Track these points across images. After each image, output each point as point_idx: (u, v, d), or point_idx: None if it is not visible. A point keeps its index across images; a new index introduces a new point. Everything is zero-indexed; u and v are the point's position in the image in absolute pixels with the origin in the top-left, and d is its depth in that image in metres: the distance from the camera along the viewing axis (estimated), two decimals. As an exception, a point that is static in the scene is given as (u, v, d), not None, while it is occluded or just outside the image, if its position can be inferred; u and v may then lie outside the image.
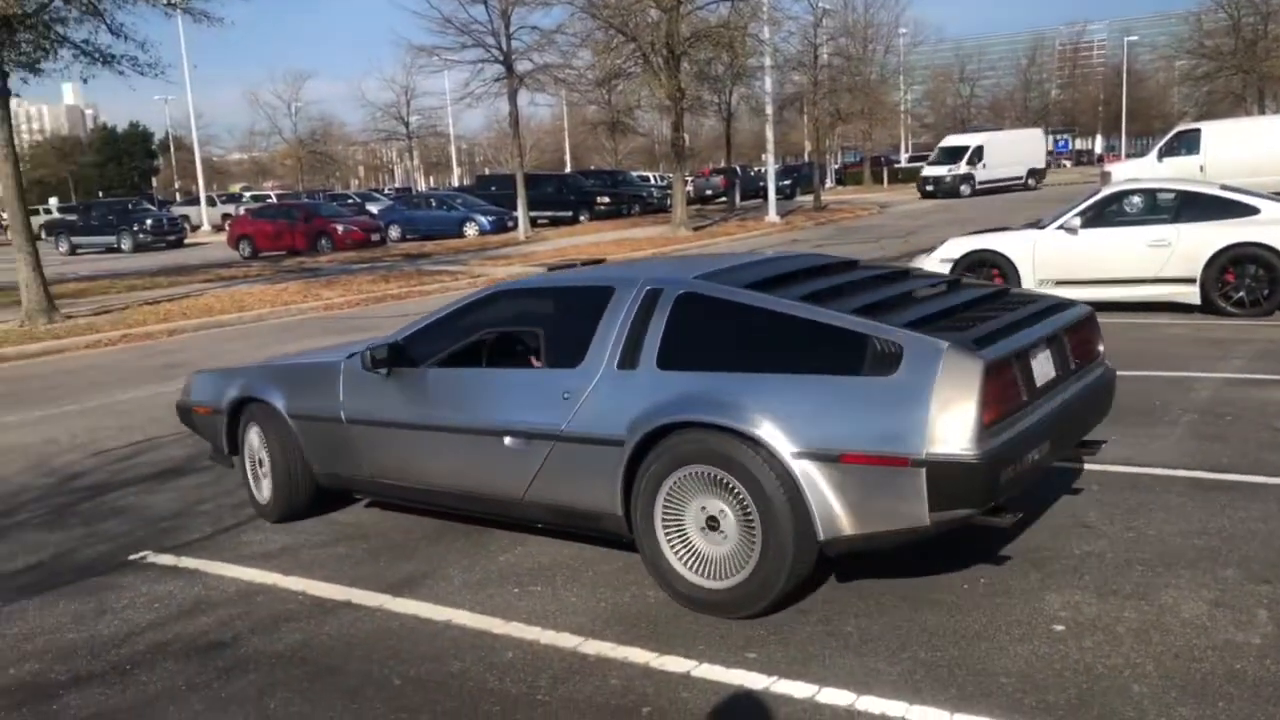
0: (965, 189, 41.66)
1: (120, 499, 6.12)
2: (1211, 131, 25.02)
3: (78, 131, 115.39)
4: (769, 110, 33.26)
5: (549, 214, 37.05)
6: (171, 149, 79.36)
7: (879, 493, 3.62)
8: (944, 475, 3.51)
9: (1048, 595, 3.94)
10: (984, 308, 4.45)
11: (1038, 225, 11.51)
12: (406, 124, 58.59)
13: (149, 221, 37.58)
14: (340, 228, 29.70)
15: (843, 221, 31.28)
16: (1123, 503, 4.94)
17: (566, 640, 3.80)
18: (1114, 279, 10.73)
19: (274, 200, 45.39)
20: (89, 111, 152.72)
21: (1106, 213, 11.01)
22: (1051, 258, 10.96)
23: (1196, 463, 5.49)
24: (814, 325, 3.89)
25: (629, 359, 4.21)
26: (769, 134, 33.74)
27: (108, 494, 6.24)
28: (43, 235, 37.17)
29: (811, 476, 3.69)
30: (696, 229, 28.73)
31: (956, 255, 11.41)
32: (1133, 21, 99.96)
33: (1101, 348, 4.87)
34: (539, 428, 4.34)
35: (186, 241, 38.91)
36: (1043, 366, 4.14)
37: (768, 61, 30.68)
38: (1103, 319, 10.17)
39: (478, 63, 28.41)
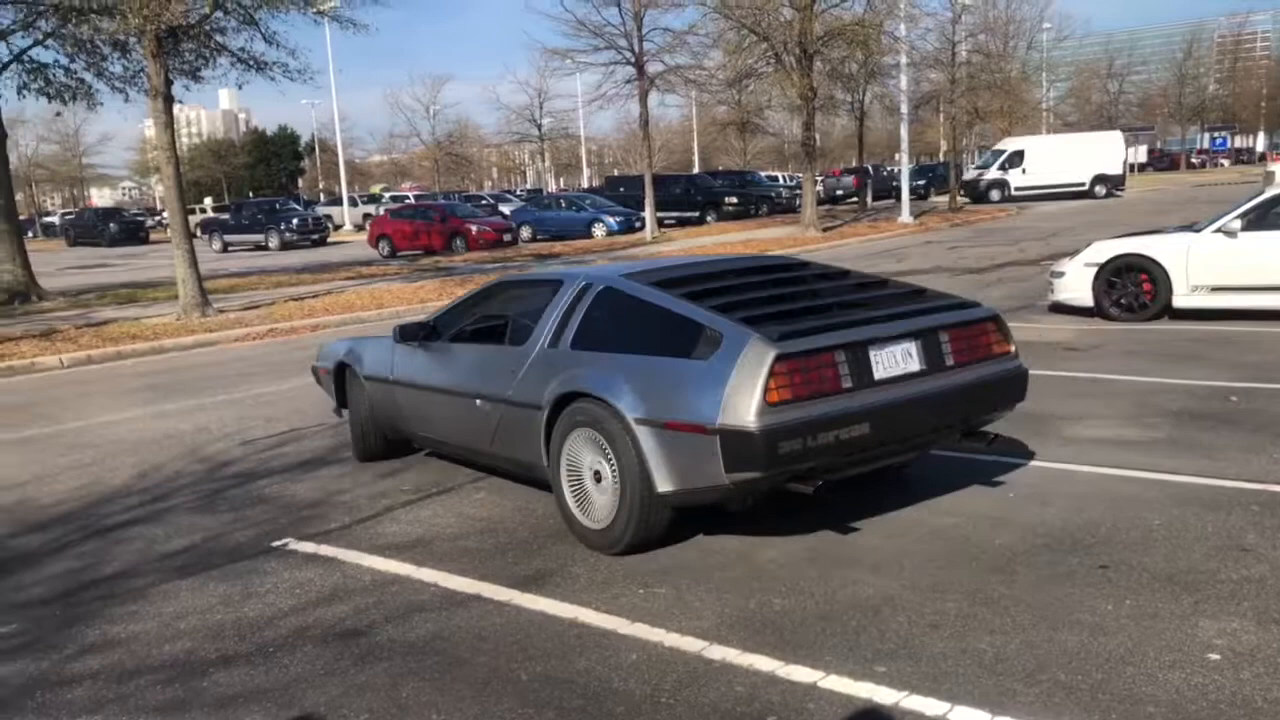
0: (995, 194, 40.07)
1: (265, 487, 6.41)
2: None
3: (231, 134, 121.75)
4: (904, 109, 32.49)
5: (676, 215, 37.14)
6: (316, 151, 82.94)
7: (691, 455, 4.37)
8: (731, 442, 4.20)
9: (1201, 621, 3.71)
10: (856, 307, 5.06)
11: (1192, 228, 10.90)
12: (539, 126, 59.68)
13: (294, 221, 39.32)
14: (474, 228, 30.45)
15: (979, 223, 30.30)
16: (1286, 526, 4.62)
17: (691, 644, 3.78)
18: (1278, 286, 10.06)
19: (412, 201, 46.90)
20: (242, 115, 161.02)
21: (1271, 215, 10.33)
22: (1207, 262, 10.35)
23: (1371, 486, 5.08)
24: (673, 316, 4.74)
25: (556, 340, 5.20)
26: (904, 133, 32.96)
27: (254, 482, 6.55)
28: (198, 233, 39.39)
29: (649, 439, 4.49)
30: (826, 230, 28.32)
31: (1102, 260, 10.91)
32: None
33: (1009, 347, 5.18)
34: (496, 393, 5.42)
35: (329, 240, 40.53)
36: (895, 360, 4.65)
37: (903, 59, 30.00)
38: (1265, 328, 9.63)
39: (609, 65, 28.72)
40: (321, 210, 49.94)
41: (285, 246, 37.51)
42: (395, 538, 5.26)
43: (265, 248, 37.99)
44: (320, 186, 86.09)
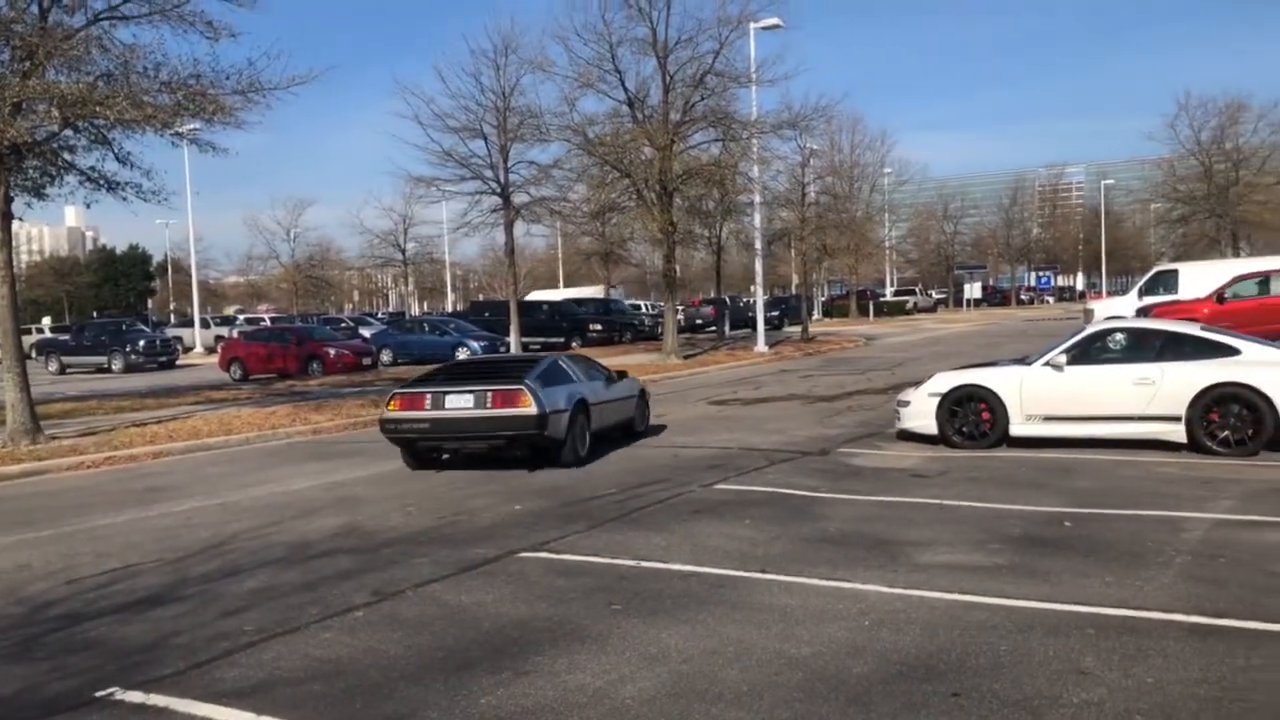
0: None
1: (91, 630, 5.93)
2: (1188, 272, 25.72)
3: (77, 252, 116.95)
4: (758, 245, 34.01)
5: (541, 340, 37.37)
6: (169, 271, 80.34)
7: None
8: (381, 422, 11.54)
9: (1047, 747, 3.81)
10: (475, 376, 11.55)
11: (1024, 361, 11.64)
12: (403, 251, 59.56)
13: (141, 342, 37.69)
14: (332, 351, 29.83)
15: (829, 353, 31.58)
16: (1120, 648, 4.84)
17: (549, 791, 3.64)
18: (1101, 416, 10.80)
19: (267, 323, 45.67)
20: (89, 233, 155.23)
21: (1092, 350, 11.16)
22: (1038, 394, 11.04)
23: (1193, 607, 5.41)
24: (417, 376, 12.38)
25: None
26: (758, 267, 34.40)
27: (79, 625, 6.05)
28: (33, 355, 37.26)
29: None
30: (686, 357, 28.95)
31: (944, 389, 11.49)
32: (1109, 165, 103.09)
33: (529, 403, 10.63)
34: None
35: (179, 363, 38.95)
36: (460, 401, 10.80)
37: (757, 199, 31.51)
38: (1093, 456, 10.27)
39: (476, 194, 29.04)
40: (171, 332, 48.10)
41: (130, 369, 35.79)
42: (234, 683, 4.92)
43: (108, 370, 36.15)
44: (172, 307, 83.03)
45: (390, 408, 11.12)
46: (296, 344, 30.24)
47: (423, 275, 72.96)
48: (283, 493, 10.53)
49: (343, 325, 44.80)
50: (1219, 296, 20.16)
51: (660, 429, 14.34)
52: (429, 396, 10.91)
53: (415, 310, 79.31)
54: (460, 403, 10.74)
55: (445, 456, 11.54)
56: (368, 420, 16.99)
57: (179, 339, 43.86)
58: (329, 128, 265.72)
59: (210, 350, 45.01)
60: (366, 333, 40.15)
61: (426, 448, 11.35)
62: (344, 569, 7.07)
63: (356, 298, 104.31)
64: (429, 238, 60.77)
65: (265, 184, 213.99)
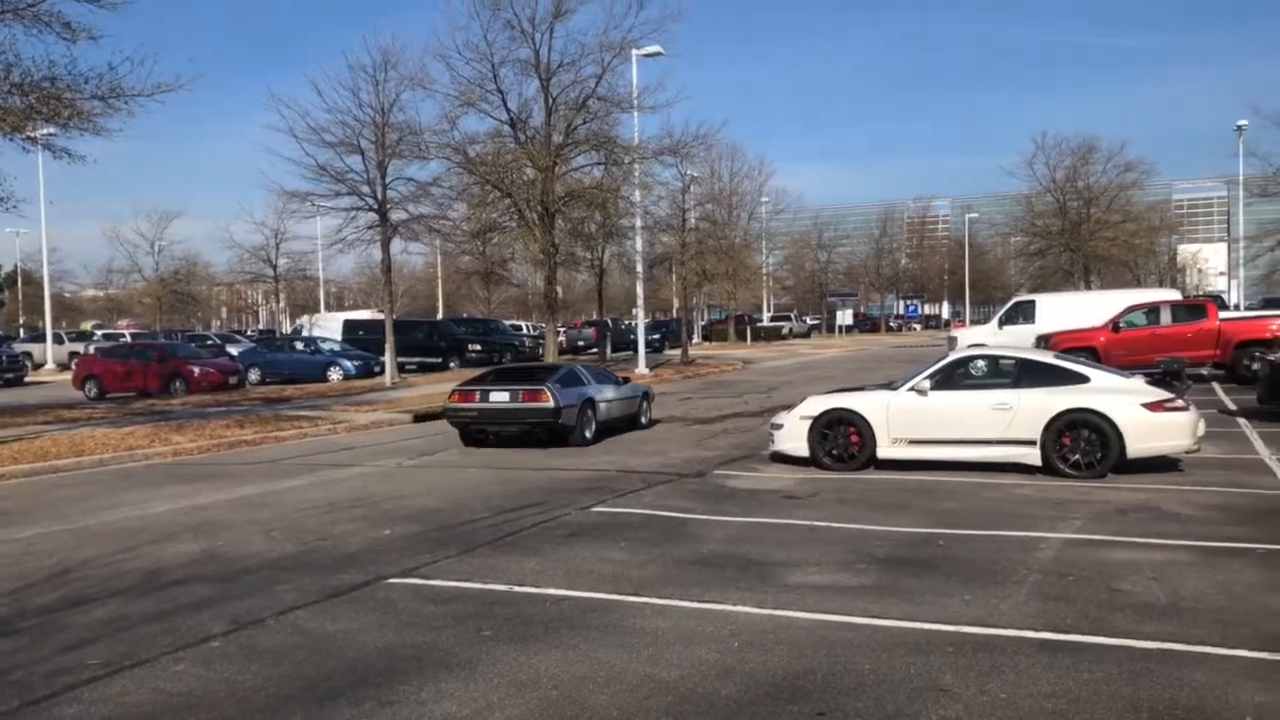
0: None
1: (-85, 667, 5.49)
2: (1045, 303, 27.19)
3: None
4: (639, 268, 34.27)
5: (419, 360, 36.73)
6: (19, 283, 75.83)
7: None
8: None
9: (906, 764, 3.91)
10: (512, 379, 15.36)
11: (891, 386, 12.03)
12: (274, 266, 57.68)
13: (-16, 358, 35.45)
14: (196, 369, 28.60)
15: (708, 376, 32.01)
16: (976, 665, 5.02)
17: (410, 825, 3.53)
18: (962, 439, 11.23)
19: (128, 339, 43.56)
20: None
21: (954, 376, 11.61)
22: (903, 418, 11.42)
23: (1043, 623, 5.65)
24: (483, 379, 16.09)
25: None
26: (639, 290, 34.66)
27: (-99, 661, 5.60)
28: None
29: None
30: (566, 380, 28.87)
31: (815, 413, 11.77)
32: (973, 199, 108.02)
33: (548, 399, 14.20)
34: None
35: (27, 380, 36.75)
36: (501, 396, 14.63)
37: (638, 223, 31.79)
38: (956, 478, 10.66)
39: (351, 210, 28.39)
40: (20, 347, 45.31)
41: (-29, 386, 33.55)
42: (75, 722, 4.63)
43: (-55, 387, 33.83)
44: (22, 322, 78.27)
45: (451, 399, 15.19)
46: (158, 361, 28.90)
47: (295, 292, 70.70)
48: (138, 517, 10.01)
49: (209, 343, 43.10)
50: (1114, 326, 21.50)
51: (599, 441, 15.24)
52: (478, 392, 14.82)
53: (287, 328, 76.88)
54: (499, 397, 14.56)
55: (490, 438, 15.29)
56: (232, 441, 16.34)
57: (28, 355, 41.44)
58: (198, 138, 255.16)
59: (64, 367, 42.61)
60: (234, 350, 38.72)
61: (477, 430, 15.24)
62: (201, 597, 6.75)
63: (225, 314, 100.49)
64: (302, 253, 58.92)
65: (129, 194, 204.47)
